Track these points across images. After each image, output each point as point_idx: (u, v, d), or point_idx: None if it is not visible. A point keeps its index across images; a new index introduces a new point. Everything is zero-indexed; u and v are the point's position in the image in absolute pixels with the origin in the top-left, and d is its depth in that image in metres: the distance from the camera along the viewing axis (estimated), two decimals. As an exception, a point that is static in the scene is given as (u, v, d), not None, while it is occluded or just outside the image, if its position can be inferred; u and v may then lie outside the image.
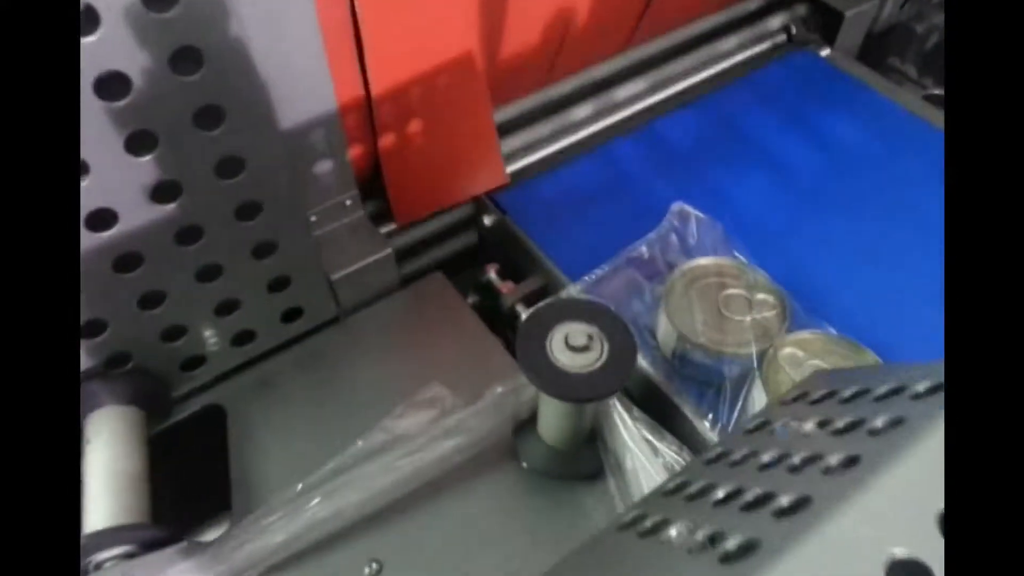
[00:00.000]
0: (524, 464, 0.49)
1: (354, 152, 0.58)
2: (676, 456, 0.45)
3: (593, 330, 0.42)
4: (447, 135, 0.63)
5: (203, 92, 0.40)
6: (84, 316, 0.45)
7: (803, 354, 0.48)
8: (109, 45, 0.35)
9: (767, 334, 0.50)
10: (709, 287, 0.53)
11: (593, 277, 0.55)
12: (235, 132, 0.42)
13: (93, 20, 0.34)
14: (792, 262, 0.58)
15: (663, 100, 0.78)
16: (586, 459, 0.47)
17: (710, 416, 0.49)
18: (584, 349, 0.41)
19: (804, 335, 0.50)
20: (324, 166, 0.56)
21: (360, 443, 0.46)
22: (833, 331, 0.51)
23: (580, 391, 0.40)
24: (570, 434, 0.46)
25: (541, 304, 0.45)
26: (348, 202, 0.60)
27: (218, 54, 0.39)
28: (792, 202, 0.64)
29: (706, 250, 0.56)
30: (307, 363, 0.58)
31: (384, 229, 0.66)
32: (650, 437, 0.47)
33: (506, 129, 0.71)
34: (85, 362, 0.48)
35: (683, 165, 0.67)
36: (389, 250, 0.59)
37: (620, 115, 0.76)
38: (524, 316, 0.58)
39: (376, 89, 0.54)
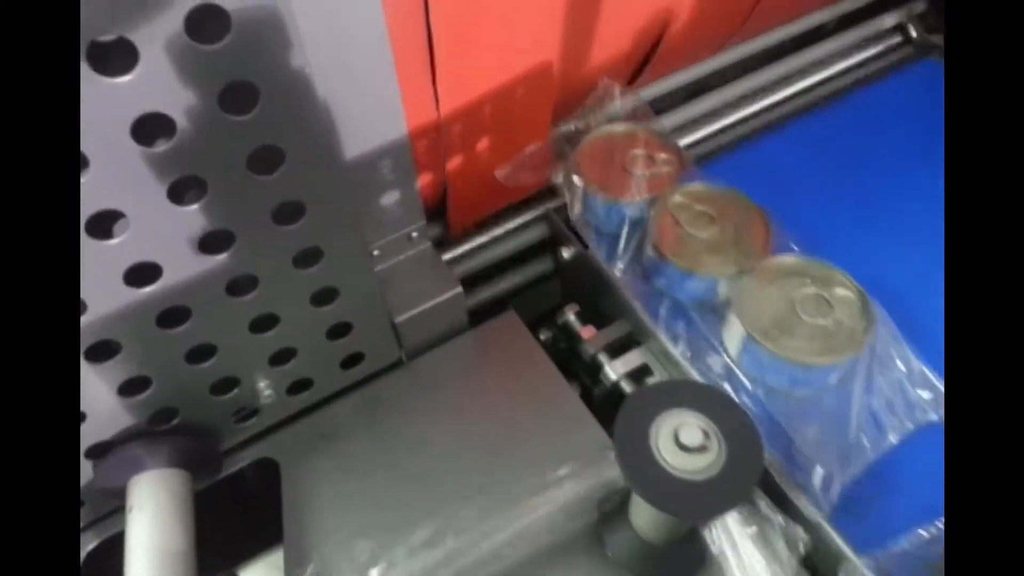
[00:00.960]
0: (609, 554, 0.43)
1: (422, 180, 0.51)
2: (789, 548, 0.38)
3: (709, 424, 0.35)
4: (512, 148, 0.57)
5: (258, 132, 0.34)
6: (125, 374, 0.41)
7: (690, 202, 0.53)
8: (149, 84, 0.30)
9: (662, 186, 0.54)
10: (616, 150, 0.56)
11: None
12: (295, 174, 0.37)
13: (131, 56, 0.29)
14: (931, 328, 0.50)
15: (759, 113, 0.70)
16: (688, 556, 0.41)
17: (618, 264, 0.54)
18: (699, 450, 0.34)
19: (691, 186, 0.54)
20: (391, 198, 0.50)
21: (424, 536, 0.40)
22: (722, 185, 0.54)
23: (693, 506, 0.33)
24: (670, 532, 0.39)
25: (644, 386, 0.38)
26: (414, 234, 0.54)
27: (276, 89, 0.33)
28: (922, 250, 0.55)
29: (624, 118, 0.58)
30: (367, 411, 0.53)
31: (448, 255, 0.60)
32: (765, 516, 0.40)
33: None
34: (126, 421, 0.43)
35: (788, 197, 0.59)
36: (459, 289, 0.53)
37: (712, 127, 0.69)
38: (626, 390, 0.51)
39: (445, 109, 0.47)
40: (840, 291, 0.47)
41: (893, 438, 0.45)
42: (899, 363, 0.47)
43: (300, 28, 0.31)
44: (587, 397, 0.54)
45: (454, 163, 0.52)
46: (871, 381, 0.46)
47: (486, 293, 0.62)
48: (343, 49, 0.39)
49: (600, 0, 0.50)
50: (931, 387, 0.46)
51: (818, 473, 0.43)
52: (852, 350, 0.45)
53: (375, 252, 0.53)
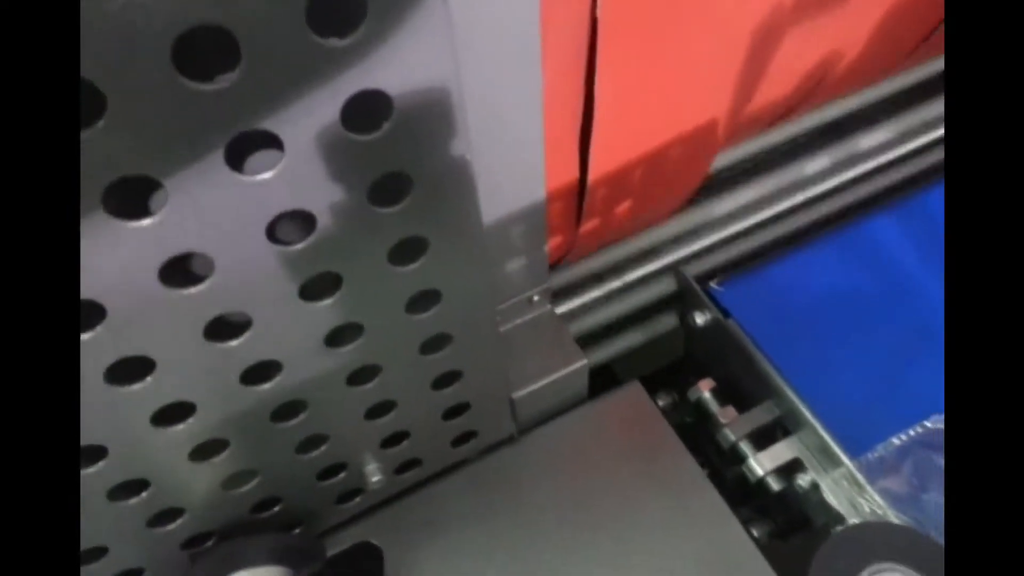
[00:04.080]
0: None
1: (551, 242, 0.46)
2: None
3: (932, 590, 0.29)
4: (658, 207, 0.51)
5: (405, 224, 0.29)
6: (231, 469, 0.36)
7: None
8: (292, 180, 0.25)
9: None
10: None
11: (875, 455, 0.41)
12: (436, 263, 0.31)
13: (276, 148, 0.24)
14: None
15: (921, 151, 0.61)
16: None
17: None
18: (930, 634, 0.28)
19: None
20: (518, 261, 0.44)
21: None
22: None
23: None
24: None
25: (844, 530, 0.32)
26: (536, 297, 0.48)
27: (432, 178, 0.28)
28: None
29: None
30: (476, 491, 0.48)
31: (562, 308, 0.54)
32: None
33: (717, 184, 0.57)
34: (227, 512, 0.39)
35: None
36: (583, 361, 0.48)
37: (861, 167, 0.61)
38: (774, 487, 0.45)
39: (595, 174, 0.42)
40: None
41: None
42: None
43: (461, 116, 0.26)
44: (715, 478, 0.48)
45: (591, 224, 0.46)
46: None
47: (597, 349, 0.56)
48: (492, 115, 0.34)
49: (772, 48, 0.43)
50: None
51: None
52: None
53: (493, 317, 0.47)
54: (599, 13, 0.36)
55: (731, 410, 0.48)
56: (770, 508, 0.48)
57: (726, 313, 0.50)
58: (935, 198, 0.54)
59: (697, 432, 0.51)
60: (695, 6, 0.38)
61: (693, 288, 0.52)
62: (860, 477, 0.42)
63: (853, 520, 0.41)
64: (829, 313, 0.49)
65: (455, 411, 0.43)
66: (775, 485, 0.46)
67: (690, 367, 0.55)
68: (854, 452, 0.43)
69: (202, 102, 0.21)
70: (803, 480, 0.45)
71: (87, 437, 0.30)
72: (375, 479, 0.43)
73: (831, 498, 0.44)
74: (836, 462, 0.43)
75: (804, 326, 0.49)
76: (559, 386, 0.48)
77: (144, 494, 0.34)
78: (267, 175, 0.24)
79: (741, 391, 0.49)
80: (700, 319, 0.51)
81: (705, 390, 0.49)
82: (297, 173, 0.24)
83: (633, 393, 0.51)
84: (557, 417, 0.50)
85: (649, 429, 0.49)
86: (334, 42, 0.21)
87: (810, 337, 0.48)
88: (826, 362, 0.47)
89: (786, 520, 0.48)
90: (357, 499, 0.45)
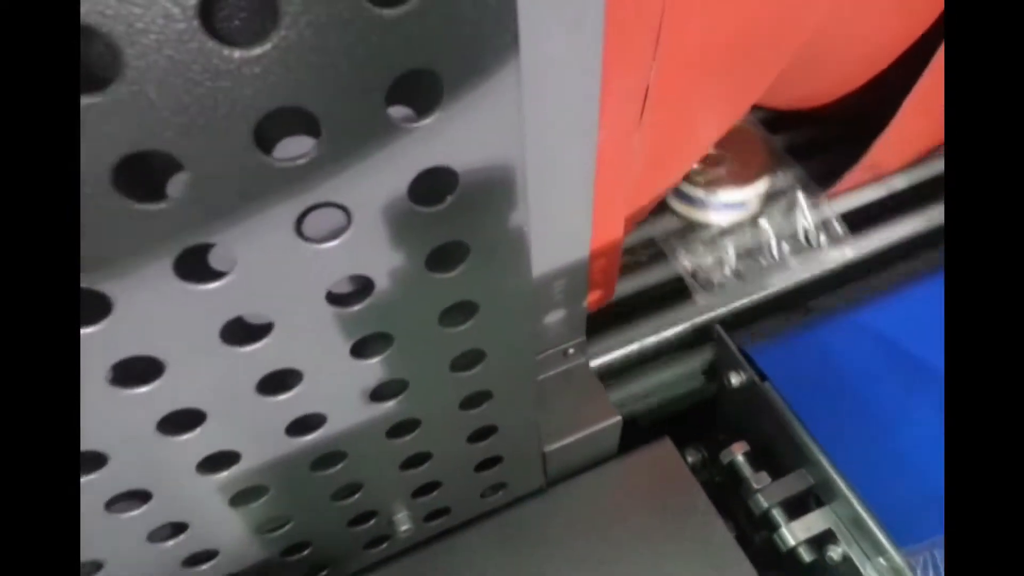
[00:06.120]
0: None
1: (591, 297, 0.46)
2: None
3: None
4: None
5: (459, 289, 0.29)
6: (266, 515, 0.36)
7: None
8: (355, 248, 0.25)
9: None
10: None
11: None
12: (484, 325, 0.32)
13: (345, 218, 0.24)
14: None
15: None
16: None
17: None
18: None
19: None
20: (557, 315, 0.45)
21: None
22: None
23: None
24: None
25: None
26: (571, 350, 0.48)
27: (488, 247, 0.28)
28: None
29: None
30: (501, 543, 0.47)
31: (593, 363, 0.54)
32: None
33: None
34: (258, 555, 0.39)
35: None
36: (617, 418, 0.48)
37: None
38: (805, 559, 0.45)
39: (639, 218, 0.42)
40: None
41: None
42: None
43: (523, 188, 0.26)
44: (743, 541, 0.47)
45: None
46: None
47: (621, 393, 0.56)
48: (544, 177, 0.34)
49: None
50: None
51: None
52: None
53: (528, 368, 0.47)
54: (652, 79, 0.36)
55: (764, 475, 0.47)
56: (800, 578, 0.47)
57: (763, 376, 0.49)
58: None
59: (727, 493, 0.51)
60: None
61: (729, 347, 0.52)
62: (898, 558, 0.41)
63: (887, 598, 0.41)
64: (875, 383, 0.48)
65: (488, 463, 0.43)
66: (806, 556, 0.45)
67: (722, 423, 0.54)
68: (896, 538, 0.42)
69: (280, 178, 0.21)
70: (834, 552, 0.44)
71: (129, 482, 0.30)
72: (404, 528, 0.43)
73: (863, 571, 0.43)
74: (869, 535, 0.42)
75: (846, 395, 0.48)
76: (591, 441, 0.48)
77: (182, 536, 0.34)
78: (333, 243, 0.24)
79: (774, 455, 0.49)
80: (735, 379, 0.51)
81: (738, 453, 0.49)
82: (361, 242, 0.25)
83: (663, 450, 0.50)
84: (586, 471, 0.50)
85: (679, 488, 0.49)
86: (410, 122, 0.22)
87: (852, 407, 0.47)
88: (868, 435, 0.46)
89: (815, 591, 0.47)
90: (384, 545, 0.45)
